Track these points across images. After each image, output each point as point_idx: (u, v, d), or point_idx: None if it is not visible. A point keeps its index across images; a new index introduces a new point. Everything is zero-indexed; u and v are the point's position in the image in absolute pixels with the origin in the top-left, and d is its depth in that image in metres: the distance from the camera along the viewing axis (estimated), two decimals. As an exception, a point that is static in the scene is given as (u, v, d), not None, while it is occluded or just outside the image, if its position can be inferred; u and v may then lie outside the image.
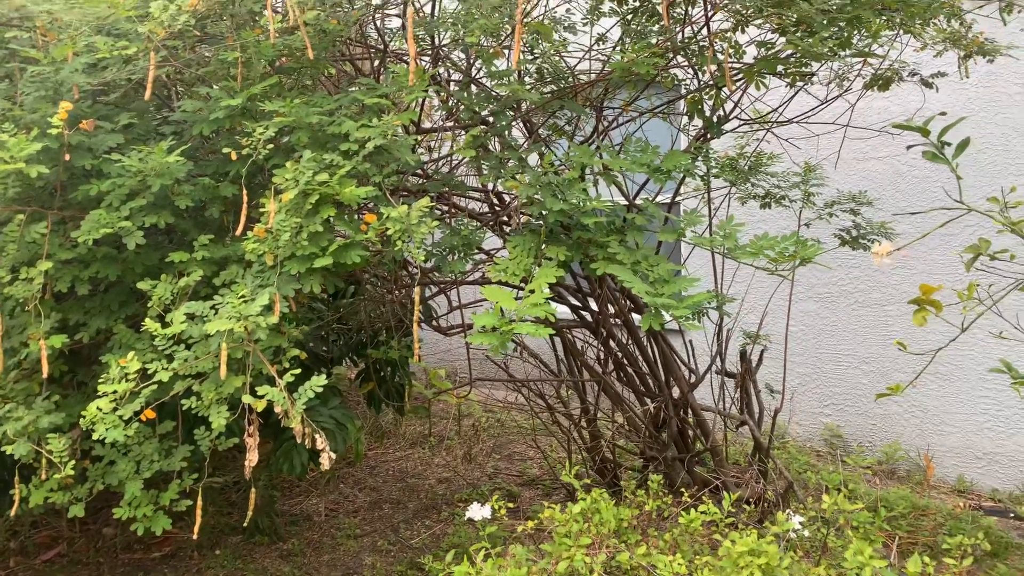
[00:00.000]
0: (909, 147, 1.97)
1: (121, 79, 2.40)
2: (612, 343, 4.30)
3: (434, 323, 4.30)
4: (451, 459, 5.90)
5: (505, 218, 3.79)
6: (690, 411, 4.18)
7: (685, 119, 4.07)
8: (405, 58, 3.38)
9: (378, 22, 3.14)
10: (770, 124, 3.81)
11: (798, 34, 2.48)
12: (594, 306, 4.18)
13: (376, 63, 3.08)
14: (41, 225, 2.11)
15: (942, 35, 3.08)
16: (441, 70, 3.27)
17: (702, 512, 2.04)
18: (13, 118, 2.09)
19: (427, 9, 3.39)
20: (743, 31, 2.58)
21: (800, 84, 3.23)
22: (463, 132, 3.38)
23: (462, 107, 2.72)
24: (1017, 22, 3.97)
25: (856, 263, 5.22)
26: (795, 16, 2.39)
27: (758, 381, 4.32)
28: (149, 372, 1.93)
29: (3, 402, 2.23)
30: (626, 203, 3.80)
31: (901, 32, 3.32)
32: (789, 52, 2.88)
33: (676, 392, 4.18)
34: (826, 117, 4.17)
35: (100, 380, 1.91)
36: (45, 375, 2.11)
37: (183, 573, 4.32)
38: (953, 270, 4.75)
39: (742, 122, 3.86)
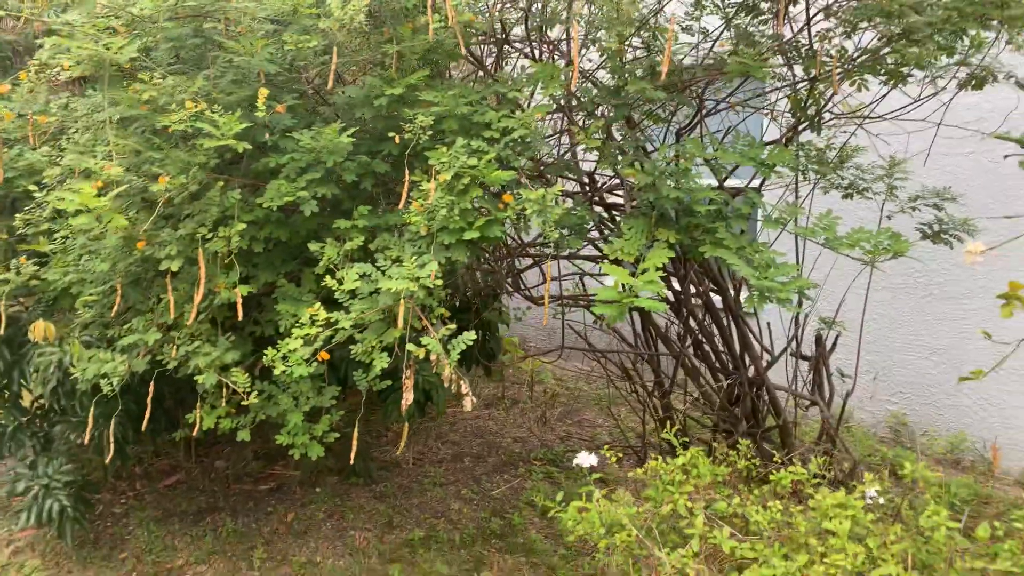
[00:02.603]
0: (1007, 156, 2.16)
1: (286, 65, 2.76)
2: (692, 322, 4.55)
3: (525, 292, 4.62)
4: (524, 421, 6.27)
5: (596, 198, 4.07)
6: (764, 389, 4.42)
7: (777, 109, 4.24)
8: (518, 46, 3.66)
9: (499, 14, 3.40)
10: (862, 119, 3.96)
11: (903, 42, 2.66)
12: (676, 285, 4.43)
13: (496, 54, 3.36)
14: (236, 192, 2.49)
15: (1042, 41, 3.19)
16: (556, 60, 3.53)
17: (791, 471, 2.32)
18: (213, 100, 2.46)
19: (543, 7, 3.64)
20: (849, 37, 2.77)
21: (896, 83, 3.38)
22: (567, 119, 3.65)
23: (581, 97, 2.98)
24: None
25: (933, 256, 5.30)
26: (900, 26, 2.58)
27: (830, 365, 4.52)
28: (333, 321, 2.29)
29: (191, 340, 2.64)
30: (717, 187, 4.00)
31: (999, 36, 3.44)
32: (887, 54, 3.05)
33: (751, 371, 4.41)
34: (917, 114, 4.27)
35: (294, 326, 2.29)
36: (240, 317, 2.51)
37: (289, 505, 4.80)
38: (1034, 268, 4.82)
39: (834, 116, 4.02)
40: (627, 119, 3.85)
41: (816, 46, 2.79)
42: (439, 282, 2.22)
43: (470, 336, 2.26)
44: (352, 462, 5.08)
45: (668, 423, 4.88)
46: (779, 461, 2.39)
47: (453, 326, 2.28)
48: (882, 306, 5.62)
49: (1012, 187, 5.02)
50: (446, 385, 2.29)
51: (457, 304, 4.86)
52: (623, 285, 2.38)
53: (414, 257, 2.25)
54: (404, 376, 2.34)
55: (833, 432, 4.36)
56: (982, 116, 4.93)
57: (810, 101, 3.23)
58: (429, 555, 4.11)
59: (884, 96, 3.91)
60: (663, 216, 2.71)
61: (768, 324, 4.59)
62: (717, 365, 4.56)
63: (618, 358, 5.07)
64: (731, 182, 4.07)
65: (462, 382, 2.29)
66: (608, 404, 5.61)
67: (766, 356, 4.55)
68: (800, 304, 4.36)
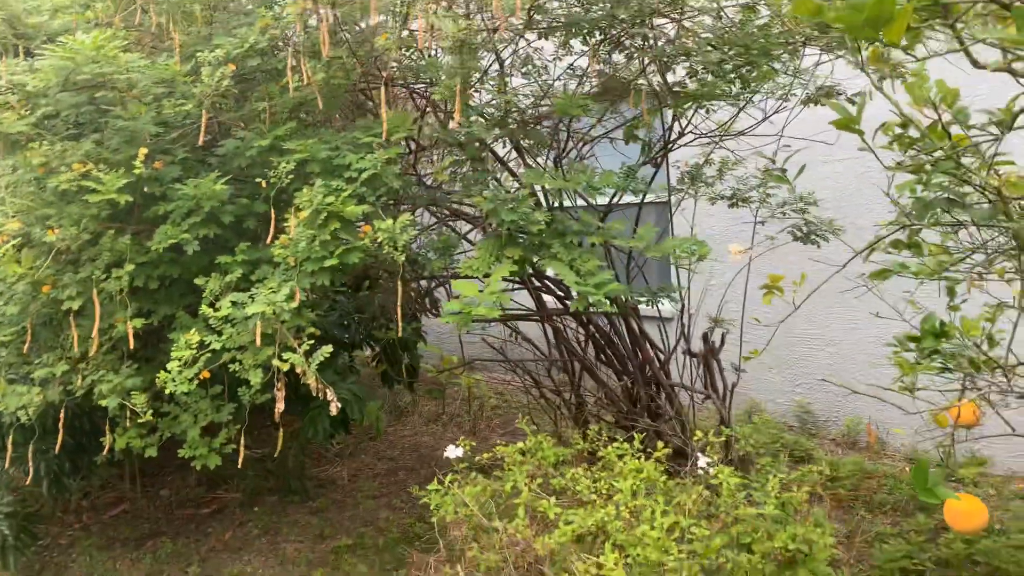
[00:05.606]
0: (763, 170, 2.59)
1: (177, 123, 3.14)
2: (593, 328, 4.95)
3: (433, 312, 5.00)
4: (461, 434, 6.62)
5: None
6: (660, 387, 4.82)
7: (650, 133, 4.68)
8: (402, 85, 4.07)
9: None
10: (720, 137, 4.42)
11: (707, 76, 3.11)
12: (575, 296, 4.83)
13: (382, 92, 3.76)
14: (126, 238, 2.85)
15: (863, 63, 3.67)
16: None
17: (616, 447, 2.70)
18: (103, 159, 2.82)
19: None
20: (663, 74, 3.21)
21: (741, 104, 3.84)
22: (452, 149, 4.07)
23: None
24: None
25: (817, 255, 5.77)
26: (701, 64, 3.02)
27: (722, 360, 4.93)
28: (206, 343, 2.65)
29: (96, 369, 2.97)
30: (597, 206, 4.42)
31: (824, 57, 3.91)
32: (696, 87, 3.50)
33: (648, 371, 4.81)
34: (777, 129, 4.73)
35: (173, 350, 2.64)
36: (131, 347, 2.85)
37: (228, 525, 5.09)
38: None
39: (696, 136, 4.47)
40: (516, 146, 4.28)
41: (641, 81, 3.22)
42: (294, 304, 2.59)
43: (327, 350, 2.62)
44: (289, 482, 5.39)
45: (580, 425, 5.27)
46: (620, 443, 2.76)
47: (312, 341, 2.65)
48: (782, 304, 6.06)
49: (861, 189, 5.50)
50: (315, 394, 2.65)
51: (378, 328, 5.22)
52: (469, 298, 2.76)
53: (275, 286, 2.62)
54: (276, 388, 2.69)
55: (726, 423, 4.75)
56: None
57: (638, 130, 3.67)
58: (353, 559, 4.43)
59: (734, 118, 4.37)
60: (512, 236, 3.11)
61: (662, 326, 5.00)
62: (619, 367, 4.96)
63: (534, 367, 5.45)
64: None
65: (328, 391, 2.65)
66: (529, 413, 5.97)
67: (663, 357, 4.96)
68: (683, 307, 4.82)
